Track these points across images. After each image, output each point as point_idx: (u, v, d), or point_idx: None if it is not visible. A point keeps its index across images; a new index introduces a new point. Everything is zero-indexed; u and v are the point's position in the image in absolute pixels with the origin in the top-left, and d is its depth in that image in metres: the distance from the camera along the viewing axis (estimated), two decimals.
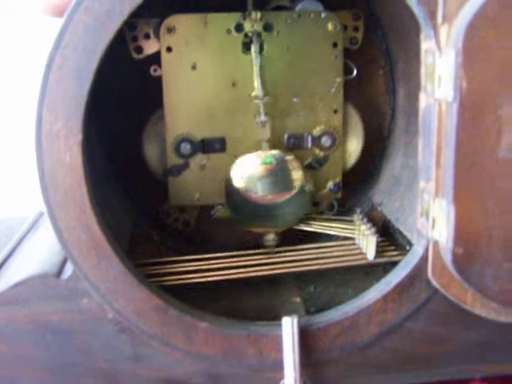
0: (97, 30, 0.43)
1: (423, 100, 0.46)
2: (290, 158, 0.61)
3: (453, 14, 0.42)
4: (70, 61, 0.44)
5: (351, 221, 0.64)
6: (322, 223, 0.64)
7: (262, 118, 0.61)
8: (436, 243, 0.47)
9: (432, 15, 0.44)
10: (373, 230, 0.59)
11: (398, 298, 0.50)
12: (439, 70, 0.43)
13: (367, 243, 0.59)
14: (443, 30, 0.43)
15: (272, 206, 0.61)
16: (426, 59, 0.45)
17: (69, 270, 0.48)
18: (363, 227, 0.61)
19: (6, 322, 0.49)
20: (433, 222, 0.46)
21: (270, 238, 0.63)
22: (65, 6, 0.48)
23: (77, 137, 0.44)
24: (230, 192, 0.61)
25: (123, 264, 0.47)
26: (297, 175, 0.61)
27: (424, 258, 0.48)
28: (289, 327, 0.49)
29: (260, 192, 0.60)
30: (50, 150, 0.45)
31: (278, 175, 0.60)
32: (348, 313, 0.50)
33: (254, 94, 0.61)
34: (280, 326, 0.49)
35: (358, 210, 0.65)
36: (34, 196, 0.53)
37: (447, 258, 0.45)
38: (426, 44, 0.45)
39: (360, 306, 0.50)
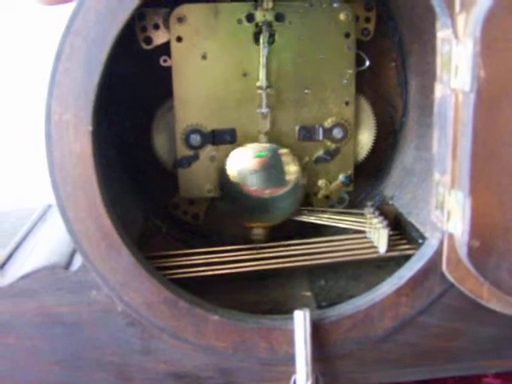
0: (108, 17, 0.43)
1: (439, 90, 0.45)
2: (284, 151, 0.61)
3: (471, 2, 0.41)
4: (79, 50, 0.43)
5: (362, 214, 0.63)
6: (332, 216, 0.63)
7: (264, 109, 0.60)
8: (451, 236, 0.46)
9: (449, 3, 0.43)
10: (384, 223, 0.59)
11: (412, 292, 0.49)
12: (456, 60, 0.42)
13: (379, 236, 0.59)
14: (461, 19, 0.42)
15: (264, 200, 0.60)
16: (442, 48, 0.44)
17: (78, 261, 0.48)
18: (375, 220, 0.60)
19: (14, 314, 0.48)
20: (448, 214, 0.45)
21: (259, 232, 0.63)
22: None
23: (87, 127, 0.44)
24: (225, 184, 0.61)
25: (133, 255, 0.47)
26: (291, 169, 0.60)
27: (438, 252, 0.48)
28: (301, 321, 0.48)
29: (252, 185, 0.59)
30: (60, 140, 0.44)
31: (271, 169, 0.59)
32: (360, 307, 0.50)
33: (258, 84, 0.60)
34: (292, 319, 0.49)
35: (370, 203, 0.64)
36: (42, 188, 0.52)
37: (463, 251, 0.44)
38: (442, 33, 0.44)
39: (373, 299, 0.50)
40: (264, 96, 0.60)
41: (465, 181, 0.43)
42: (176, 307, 0.48)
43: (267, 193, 0.59)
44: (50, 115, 0.44)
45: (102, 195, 0.45)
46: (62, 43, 0.43)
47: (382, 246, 0.58)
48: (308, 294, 0.58)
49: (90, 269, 0.47)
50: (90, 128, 0.44)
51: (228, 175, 0.59)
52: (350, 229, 0.62)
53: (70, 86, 0.43)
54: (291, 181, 0.60)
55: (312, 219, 0.63)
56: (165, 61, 0.60)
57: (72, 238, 0.46)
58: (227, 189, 0.60)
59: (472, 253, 0.44)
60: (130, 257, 0.46)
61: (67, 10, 0.43)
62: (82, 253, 0.46)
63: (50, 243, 0.53)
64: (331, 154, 0.63)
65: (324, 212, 0.64)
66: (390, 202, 0.64)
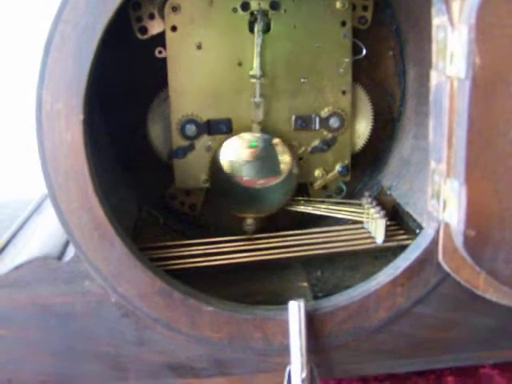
0: (98, 5, 0.42)
1: (434, 78, 0.45)
2: (277, 141, 0.60)
3: None
4: (69, 39, 0.42)
5: (360, 204, 0.63)
6: (330, 207, 0.63)
7: (257, 99, 0.60)
8: (447, 226, 0.45)
9: None
10: (382, 213, 0.58)
11: (408, 282, 0.49)
12: (451, 47, 0.42)
13: (376, 227, 0.58)
14: (456, 5, 0.41)
15: (257, 191, 0.60)
16: (437, 35, 0.44)
17: (70, 252, 0.48)
18: (372, 210, 0.59)
19: (7, 305, 0.48)
20: (444, 203, 0.45)
21: (249, 222, 0.62)
22: None
23: (78, 116, 0.43)
24: (217, 175, 0.60)
25: (126, 246, 0.46)
26: (284, 159, 0.60)
27: (434, 241, 0.47)
28: (295, 311, 0.48)
29: (245, 176, 0.59)
30: (51, 130, 0.44)
31: (264, 159, 0.59)
32: (355, 297, 0.49)
33: (251, 73, 0.59)
34: (286, 310, 0.48)
35: (367, 194, 0.64)
36: (39, 179, 0.52)
37: (458, 240, 0.44)
38: (437, 19, 0.44)
39: (368, 290, 0.49)
40: (258, 85, 0.59)
41: (460, 169, 0.42)
42: (170, 298, 0.48)
43: (260, 183, 0.59)
44: (41, 105, 0.43)
45: (95, 185, 0.45)
46: (52, 32, 0.43)
47: (379, 236, 0.58)
48: (304, 284, 0.58)
49: (82, 259, 0.46)
50: (81, 117, 0.43)
51: (221, 165, 0.59)
52: (348, 219, 0.62)
53: (61, 76, 0.43)
54: (284, 171, 0.59)
55: (309, 209, 0.63)
56: (160, 52, 0.60)
57: (64, 228, 0.46)
58: (219, 179, 0.60)
59: (468, 242, 0.43)
60: (123, 247, 0.46)
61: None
62: (74, 243, 0.46)
63: (43, 234, 0.53)
64: (328, 144, 0.63)
65: (321, 202, 0.64)
66: (388, 192, 0.63)
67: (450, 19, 0.42)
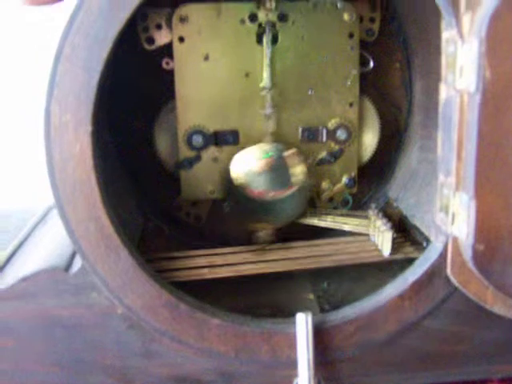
0: (109, 15, 0.42)
1: (443, 91, 0.45)
2: (290, 152, 0.60)
3: (476, 2, 0.41)
4: (79, 49, 0.42)
5: (366, 216, 0.63)
6: (336, 219, 0.62)
7: (268, 110, 0.60)
8: (455, 239, 0.45)
9: (454, 3, 0.42)
10: (388, 225, 0.58)
11: (416, 295, 0.49)
12: (461, 60, 0.42)
13: (383, 239, 0.58)
14: (466, 19, 0.41)
15: (270, 202, 0.59)
16: (446, 48, 0.44)
17: (77, 263, 0.47)
18: (378, 223, 0.59)
19: (14, 317, 0.48)
20: (452, 217, 0.45)
21: (264, 234, 0.62)
22: None
23: (86, 128, 0.43)
24: (229, 186, 0.60)
25: (133, 258, 0.46)
26: (298, 170, 0.60)
27: (443, 255, 0.47)
28: (303, 324, 0.48)
29: (258, 187, 0.58)
30: (59, 141, 0.44)
31: (277, 170, 0.59)
32: (363, 310, 0.49)
33: (261, 85, 0.59)
34: (294, 323, 0.48)
35: (373, 206, 0.64)
36: (44, 189, 0.52)
37: (467, 254, 0.44)
38: (447, 33, 0.44)
39: (376, 303, 0.49)
40: (268, 97, 0.59)
41: (470, 183, 0.42)
42: (177, 310, 0.48)
43: (272, 195, 0.58)
44: (50, 116, 0.43)
45: (102, 196, 0.45)
46: (62, 42, 0.42)
47: (386, 249, 0.58)
48: (310, 296, 0.58)
49: (89, 271, 0.46)
50: (89, 129, 0.43)
51: (233, 177, 0.59)
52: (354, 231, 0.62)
53: (70, 86, 0.43)
54: (297, 182, 0.59)
55: (316, 221, 0.62)
56: (167, 63, 0.60)
57: (71, 239, 0.46)
58: (232, 190, 0.60)
59: (477, 256, 0.43)
60: (130, 259, 0.46)
61: (66, 10, 0.42)
62: (81, 254, 0.46)
63: (49, 245, 0.53)
64: (335, 156, 0.63)
65: (328, 214, 0.63)
66: (395, 205, 0.63)
67: (460, 33, 0.42)
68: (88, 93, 0.43)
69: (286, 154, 0.59)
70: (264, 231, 0.62)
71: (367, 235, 0.61)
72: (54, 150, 0.44)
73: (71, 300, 0.47)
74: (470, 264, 0.44)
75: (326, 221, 0.62)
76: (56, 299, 0.47)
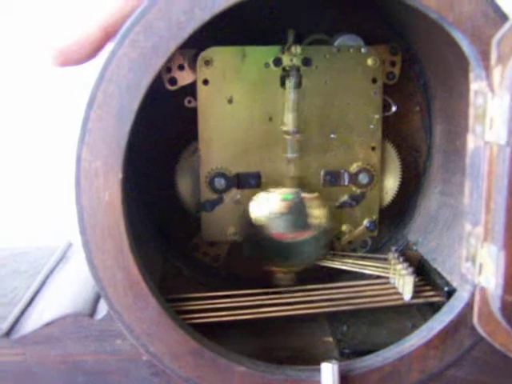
0: (141, 65, 0.42)
1: (471, 141, 0.45)
2: (310, 195, 0.60)
3: (507, 55, 0.41)
4: (112, 97, 0.43)
5: (386, 259, 0.62)
6: (355, 261, 0.62)
7: (291, 154, 0.60)
8: (483, 289, 0.45)
9: (484, 55, 0.43)
10: (410, 270, 0.58)
11: (441, 344, 0.48)
12: (491, 112, 0.42)
13: (404, 283, 0.58)
14: (496, 72, 0.42)
15: (289, 245, 0.59)
16: (475, 100, 0.44)
17: (102, 309, 0.47)
18: (399, 266, 0.59)
19: (37, 362, 0.47)
20: (480, 267, 0.45)
21: (283, 276, 0.62)
22: (76, 50, 0.47)
23: (117, 175, 0.43)
24: (248, 228, 0.60)
25: (160, 305, 0.46)
26: (318, 214, 0.60)
27: (469, 304, 0.47)
28: (329, 374, 0.47)
29: (277, 229, 0.58)
30: (89, 187, 0.44)
31: (296, 213, 0.59)
32: (389, 359, 0.49)
33: (284, 129, 0.59)
34: (319, 371, 0.48)
35: (393, 248, 0.64)
36: (63, 225, 0.52)
37: (495, 305, 0.44)
38: (476, 85, 0.44)
39: (401, 352, 0.49)
40: (291, 141, 0.59)
41: (499, 235, 0.42)
42: (202, 358, 0.47)
43: (291, 237, 0.58)
44: (80, 162, 0.43)
45: (131, 244, 0.45)
46: (95, 90, 0.43)
47: (407, 292, 0.57)
48: (330, 339, 0.57)
49: (115, 318, 0.46)
50: (120, 176, 0.43)
51: (252, 218, 0.59)
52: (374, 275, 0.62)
53: (102, 134, 0.43)
54: (317, 225, 0.59)
55: (336, 264, 0.62)
56: (189, 102, 0.60)
57: (98, 285, 0.46)
58: (251, 232, 0.59)
59: (505, 307, 0.43)
60: (158, 307, 0.46)
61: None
62: (107, 301, 0.46)
63: (72, 288, 0.53)
64: (356, 200, 0.63)
65: (347, 257, 0.63)
66: (414, 248, 0.63)
67: (491, 85, 0.42)
68: (119, 140, 0.43)
69: (306, 196, 0.59)
70: (284, 274, 0.61)
71: (386, 278, 0.61)
72: (83, 196, 0.44)
73: (95, 346, 0.47)
74: (498, 315, 0.44)
75: (346, 263, 0.62)
76: (80, 345, 0.47)
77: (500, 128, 0.41)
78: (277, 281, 0.61)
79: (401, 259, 0.60)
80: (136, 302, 0.45)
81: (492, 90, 0.42)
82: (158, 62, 0.43)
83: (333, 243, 0.65)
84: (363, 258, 0.63)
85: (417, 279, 0.59)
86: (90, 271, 0.45)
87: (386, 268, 0.61)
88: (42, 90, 0.90)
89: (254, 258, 0.62)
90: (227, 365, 0.48)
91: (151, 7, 0.42)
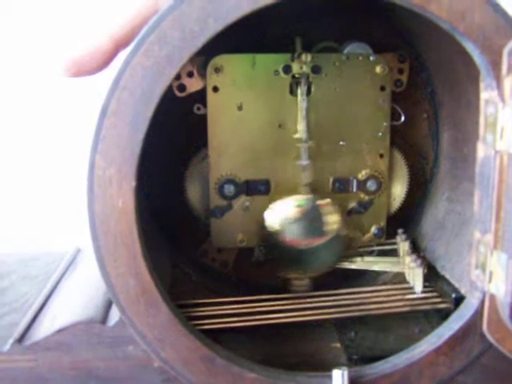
0: (155, 74, 0.43)
1: (481, 150, 0.45)
2: (325, 202, 0.60)
3: None
4: (126, 105, 0.43)
5: (395, 243, 0.64)
6: (365, 259, 0.63)
7: (304, 161, 0.60)
8: (492, 296, 0.45)
9: (495, 65, 0.43)
10: (418, 261, 0.58)
11: (451, 351, 0.49)
12: (502, 122, 0.42)
13: (414, 276, 0.58)
14: (507, 82, 0.42)
15: (304, 251, 0.59)
16: (486, 110, 0.44)
17: (114, 315, 0.47)
18: (408, 259, 0.60)
19: (48, 368, 0.48)
20: (490, 275, 0.45)
21: (301, 283, 0.62)
22: (87, 61, 0.47)
23: (130, 183, 0.44)
24: (264, 233, 0.60)
25: (172, 312, 0.46)
26: (332, 219, 0.60)
27: (478, 311, 0.47)
28: (339, 380, 0.47)
29: (292, 235, 0.59)
30: (103, 194, 0.44)
31: (311, 218, 0.59)
32: (399, 365, 0.49)
33: (296, 136, 0.60)
34: (329, 377, 0.48)
35: (400, 231, 0.65)
36: (71, 231, 0.52)
37: (505, 312, 0.44)
38: (486, 94, 0.44)
39: (411, 358, 0.49)
40: (304, 149, 0.60)
41: (509, 243, 0.42)
42: (213, 364, 0.47)
43: (306, 243, 0.59)
44: (94, 170, 0.44)
45: (143, 251, 0.45)
46: (109, 98, 0.43)
47: (417, 285, 0.58)
48: (337, 345, 0.58)
49: (127, 324, 0.46)
50: (133, 184, 0.44)
51: (267, 224, 0.59)
52: (384, 271, 0.63)
53: (115, 141, 0.43)
54: (331, 231, 0.59)
55: (346, 264, 0.63)
56: (198, 108, 0.60)
57: (110, 291, 0.46)
58: (266, 238, 0.60)
59: None
60: (170, 313, 0.46)
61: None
62: (119, 308, 0.46)
63: (83, 294, 0.53)
64: (364, 206, 0.63)
65: (357, 256, 0.64)
66: (421, 255, 0.63)
67: (501, 95, 0.42)
68: (133, 148, 0.43)
69: (320, 203, 0.59)
70: (298, 280, 0.62)
71: (391, 284, 0.62)
72: (96, 203, 0.44)
73: (107, 352, 0.47)
74: (507, 322, 0.44)
75: (355, 262, 0.63)
76: (92, 351, 0.47)
77: (510, 137, 0.41)
78: (291, 287, 0.62)
79: (409, 252, 0.62)
80: (148, 308, 0.46)
81: (503, 99, 0.42)
82: (172, 71, 0.43)
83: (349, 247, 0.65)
84: (371, 253, 0.64)
85: (424, 286, 0.59)
86: (101, 277, 0.45)
87: (396, 263, 0.62)
88: (54, 100, 0.90)
89: (268, 263, 0.62)
90: (238, 371, 0.48)
91: (166, 17, 0.42)
